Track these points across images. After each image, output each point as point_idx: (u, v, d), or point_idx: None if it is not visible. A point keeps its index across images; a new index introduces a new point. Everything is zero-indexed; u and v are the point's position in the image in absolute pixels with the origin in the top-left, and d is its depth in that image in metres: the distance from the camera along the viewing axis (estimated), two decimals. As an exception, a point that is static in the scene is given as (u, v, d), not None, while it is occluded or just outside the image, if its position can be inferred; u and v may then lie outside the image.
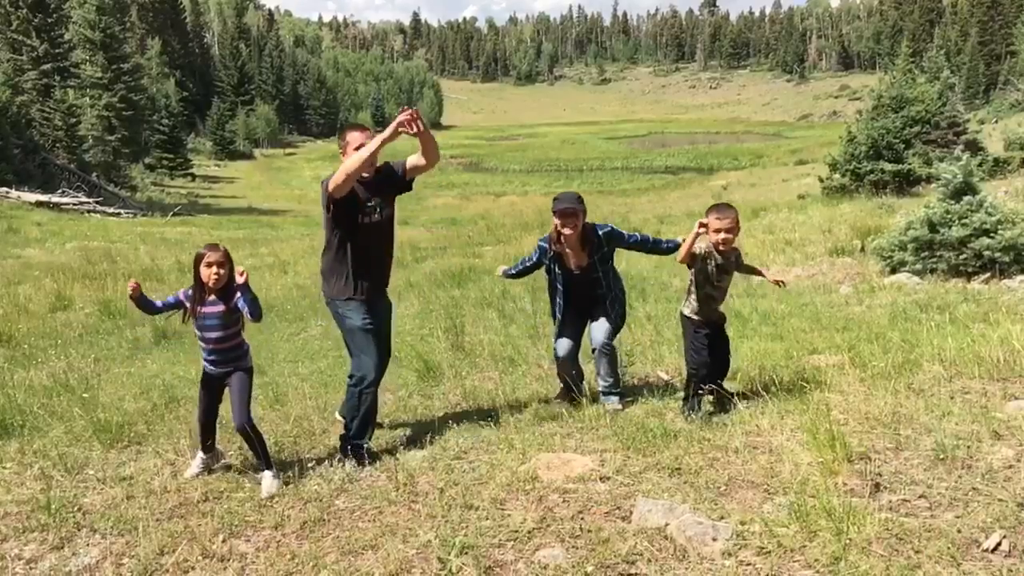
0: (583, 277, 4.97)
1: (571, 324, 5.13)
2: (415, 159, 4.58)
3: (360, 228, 4.40)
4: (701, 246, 4.57)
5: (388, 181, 4.54)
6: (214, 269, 3.99)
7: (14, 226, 22.09)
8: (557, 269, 5.01)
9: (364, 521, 3.55)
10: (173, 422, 5.28)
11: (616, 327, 5.07)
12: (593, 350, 5.02)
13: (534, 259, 5.16)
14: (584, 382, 5.27)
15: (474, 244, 18.11)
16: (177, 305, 4.14)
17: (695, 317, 4.63)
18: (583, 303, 5.09)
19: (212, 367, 4.16)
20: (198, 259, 4.05)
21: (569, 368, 5.13)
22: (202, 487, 4.04)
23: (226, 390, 4.22)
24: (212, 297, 4.05)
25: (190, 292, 4.10)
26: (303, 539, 3.41)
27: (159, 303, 4.20)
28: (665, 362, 6.06)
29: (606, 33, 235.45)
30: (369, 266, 4.49)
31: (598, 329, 5.00)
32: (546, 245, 5.01)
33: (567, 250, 4.94)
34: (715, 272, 4.55)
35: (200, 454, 4.31)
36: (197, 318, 4.08)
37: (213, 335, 4.08)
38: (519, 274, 5.40)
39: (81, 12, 45.57)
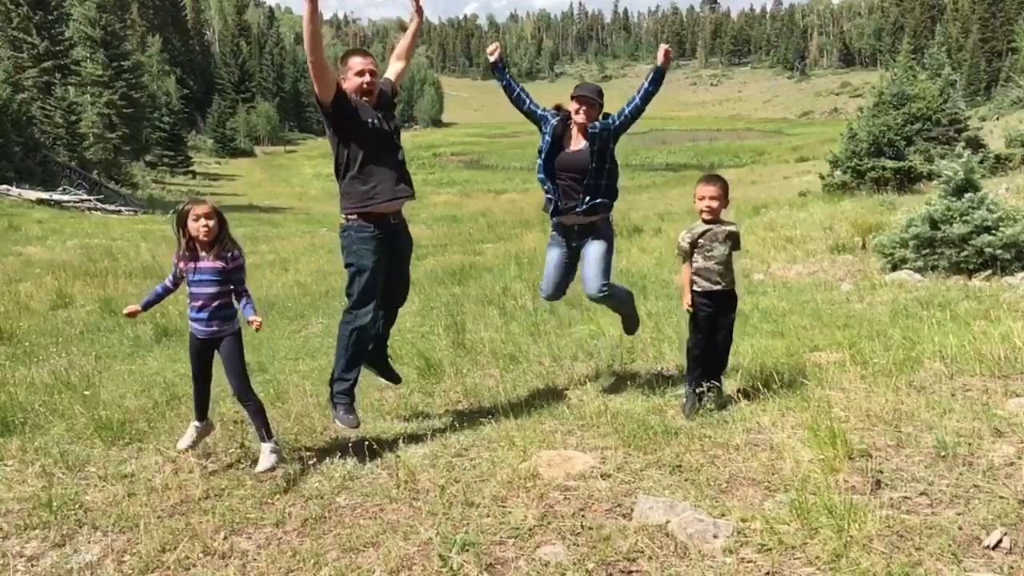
0: (578, 159, 4.82)
1: (559, 261, 5.07)
2: (396, 68, 4.66)
3: (367, 132, 4.28)
4: (685, 235, 4.59)
5: (383, 102, 4.49)
6: (203, 222, 3.90)
7: (15, 224, 22.09)
8: (552, 136, 4.85)
9: (365, 518, 3.55)
10: (174, 420, 5.27)
11: (609, 258, 4.95)
12: (592, 301, 5.03)
13: (539, 108, 4.97)
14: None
15: (475, 242, 18.10)
16: (181, 277, 4.10)
17: (695, 289, 4.62)
18: (574, 192, 4.86)
19: (200, 327, 4.09)
20: (184, 216, 3.94)
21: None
22: (203, 484, 4.04)
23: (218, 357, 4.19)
24: (204, 253, 3.99)
25: (182, 253, 4.03)
26: (304, 536, 3.41)
27: (167, 283, 4.14)
28: (666, 359, 6.06)
29: (607, 30, 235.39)
30: (386, 171, 4.33)
31: (589, 278, 4.90)
32: (559, 116, 4.89)
33: (570, 130, 4.87)
34: (704, 243, 4.55)
35: (193, 423, 4.31)
36: (192, 274, 4.02)
37: (208, 290, 4.01)
38: (515, 88, 5.02)
39: (81, 9, 45.54)
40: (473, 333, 7.43)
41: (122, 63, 46.79)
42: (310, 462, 4.26)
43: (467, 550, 3.07)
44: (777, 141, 74.80)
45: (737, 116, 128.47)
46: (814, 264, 10.59)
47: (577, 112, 4.80)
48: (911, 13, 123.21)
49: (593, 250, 4.93)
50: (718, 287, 4.54)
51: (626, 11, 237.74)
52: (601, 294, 4.89)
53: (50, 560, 3.31)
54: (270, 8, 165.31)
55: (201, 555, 3.27)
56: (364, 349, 4.49)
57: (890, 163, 18.79)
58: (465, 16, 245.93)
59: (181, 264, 4.05)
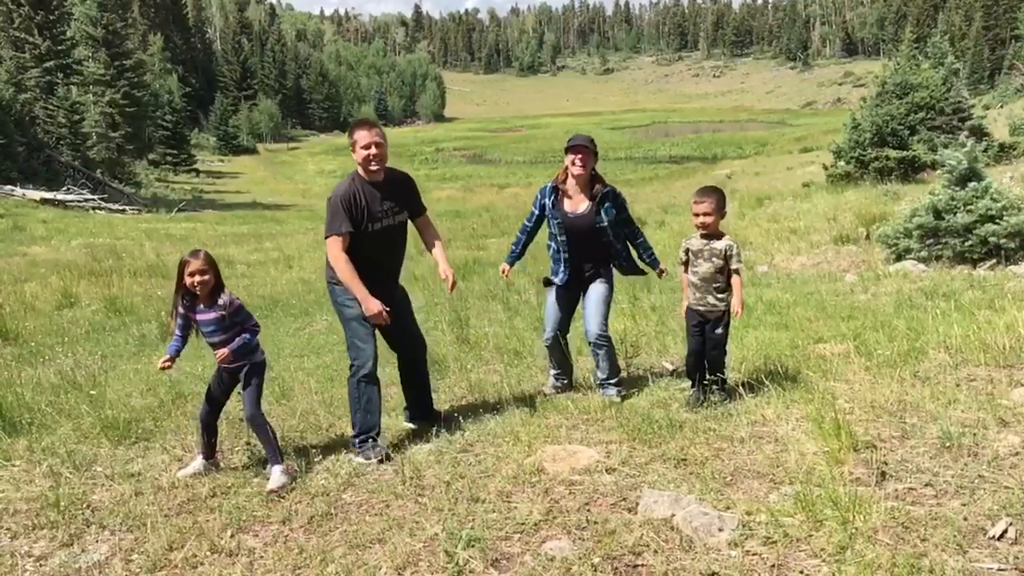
0: (582, 222, 4.85)
1: (561, 304, 5.10)
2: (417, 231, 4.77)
3: (368, 236, 4.33)
4: (683, 244, 4.63)
5: (404, 190, 4.54)
6: (197, 277, 3.97)
7: (20, 224, 22.14)
8: (555, 209, 4.90)
9: (371, 515, 3.56)
10: (180, 418, 5.30)
11: (609, 301, 4.99)
12: (589, 343, 4.99)
13: (534, 212, 5.01)
14: (573, 370, 5.34)
15: (478, 236, 18.10)
16: (187, 324, 4.14)
17: (685, 303, 4.67)
18: (583, 258, 4.94)
19: (226, 365, 4.16)
20: (181, 269, 4.03)
21: (557, 352, 5.18)
22: (210, 483, 4.06)
23: (236, 387, 4.23)
24: (203, 305, 4.06)
25: (183, 301, 4.10)
26: (311, 533, 3.43)
27: (178, 335, 4.16)
28: (670, 352, 6.07)
29: (608, 23, 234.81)
30: (376, 268, 4.41)
31: (591, 318, 4.91)
32: (547, 186, 4.94)
33: (569, 191, 4.88)
34: (691, 258, 4.57)
35: (200, 459, 4.27)
36: (199, 325, 4.11)
37: (215, 339, 4.11)
38: (523, 247, 5.21)
39: (83, 9, 45.51)
40: (477, 328, 7.44)
41: (124, 62, 46.77)
42: (316, 459, 4.28)
43: (473, 545, 3.07)
44: (780, 132, 74.50)
45: (740, 107, 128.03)
46: (818, 255, 10.57)
47: (574, 163, 4.77)
48: (913, 2, 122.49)
49: (595, 292, 4.96)
50: (698, 307, 4.57)
51: (627, 3, 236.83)
52: (600, 331, 4.88)
53: (58, 559, 3.32)
54: (271, 5, 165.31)
55: (208, 553, 3.28)
56: (377, 399, 4.41)
57: (894, 153, 18.72)
58: (466, 10, 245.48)
59: (187, 312, 4.10)
